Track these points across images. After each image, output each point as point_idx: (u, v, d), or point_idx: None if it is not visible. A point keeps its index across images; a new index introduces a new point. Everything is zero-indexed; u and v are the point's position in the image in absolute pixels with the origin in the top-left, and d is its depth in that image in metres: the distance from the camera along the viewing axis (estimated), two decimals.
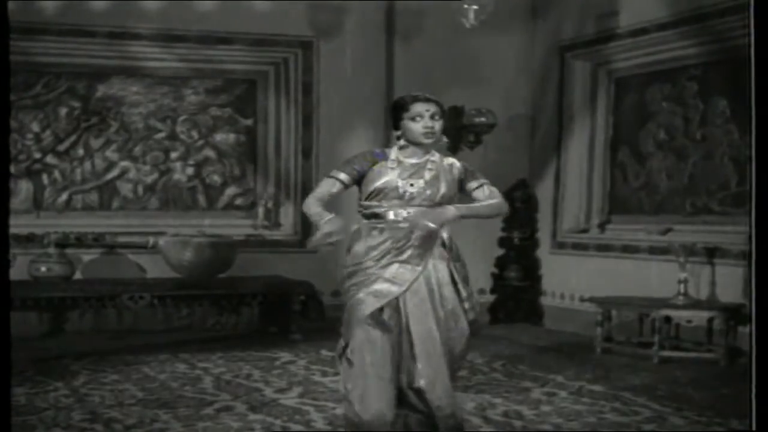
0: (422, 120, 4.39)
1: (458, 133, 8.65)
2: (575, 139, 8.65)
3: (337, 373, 6.03)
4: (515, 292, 8.91)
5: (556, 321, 8.65)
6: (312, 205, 4.29)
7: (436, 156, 4.50)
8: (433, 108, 4.43)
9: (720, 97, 7.37)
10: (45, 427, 4.68)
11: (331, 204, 4.37)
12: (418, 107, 4.42)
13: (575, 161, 8.65)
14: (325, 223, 4.15)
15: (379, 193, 4.40)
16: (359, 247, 4.37)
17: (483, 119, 8.51)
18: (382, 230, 4.35)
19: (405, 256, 4.33)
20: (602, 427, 4.77)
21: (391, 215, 4.38)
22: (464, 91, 8.59)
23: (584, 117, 8.58)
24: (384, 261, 4.31)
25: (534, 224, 9.03)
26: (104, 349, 7.08)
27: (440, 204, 4.41)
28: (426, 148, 4.45)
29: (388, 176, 4.39)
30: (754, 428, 3.58)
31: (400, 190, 4.37)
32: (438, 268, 4.39)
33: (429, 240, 4.38)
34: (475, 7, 7.10)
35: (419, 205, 4.38)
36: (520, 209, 8.96)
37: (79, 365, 6.37)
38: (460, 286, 4.46)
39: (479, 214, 4.51)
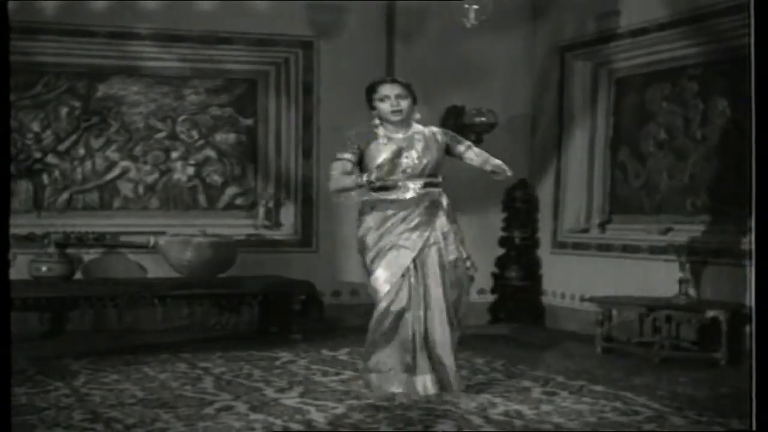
0: (389, 100, 5.03)
1: (458, 132, 8.64)
2: (575, 139, 8.65)
3: (338, 373, 6.10)
4: (516, 292, 8.91)
5: (556, 321, 8.66)
6: (340, 181, 4.98)
7: (419, 127, 5.15)
8: (398, 89, 5.06)
9: (720, 97, 7.37)
10: (45, 427, 4.68)
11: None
12: (385, 89, 5.07)
13: (575, 161, 8.66)
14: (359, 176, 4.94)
15: (380, 170, 4.95)
16: (372, 219, 5.01)
17: (483, 119, 8.51)
18: (392, 201, 4.98)
19: (414, 223, 4.95)
20: (603, 427, 4.77)
21: (397, 188, 4.98)
22: (464, 91, 8.60)
23: (584, 117, 8.58)
24: (396, 230, 4.93)
25: (534, 224, 9.03)
26: (104, 349, 7.08)
27: (435, 171, 5.12)
28: (406, 123, 5.07)
29: (384, 153, 4.98)
30: (754, 428, 3.59)
31: (398, 165, 4.96)
32: (442, 230, 5.03)
33: (433, 207, 5.02)
34: (475, 7, 7.10)
35: (419, 176, 5.05)
36: (521, 209, 8.96)
37: (79, 365, 6.37)
38: (460, 246, 5.16)
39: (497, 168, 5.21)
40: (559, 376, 6.04)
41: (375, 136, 5.06)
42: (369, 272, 5.04)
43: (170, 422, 4.77)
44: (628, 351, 7.08)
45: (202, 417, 4.89)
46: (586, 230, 8.60)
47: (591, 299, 7.50)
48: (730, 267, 6.94)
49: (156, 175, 8.64)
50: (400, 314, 4.94)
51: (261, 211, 8.73)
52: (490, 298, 8.96)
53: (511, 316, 8.89)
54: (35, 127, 8.33)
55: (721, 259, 7.04)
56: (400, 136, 5.05)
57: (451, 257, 5.06)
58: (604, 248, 8.25)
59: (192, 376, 6.03)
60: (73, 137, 8.44)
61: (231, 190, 8.81)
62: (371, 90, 5.12)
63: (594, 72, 8.53)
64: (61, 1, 8.02)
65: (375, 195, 5.04)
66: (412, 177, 4.99)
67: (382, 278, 4.93)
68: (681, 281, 7.01)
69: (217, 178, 8.77)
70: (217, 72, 8.70)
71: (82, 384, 5.74)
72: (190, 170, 8.71)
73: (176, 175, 8.68)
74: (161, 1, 8.19)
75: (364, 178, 4.90)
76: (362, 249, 5.08)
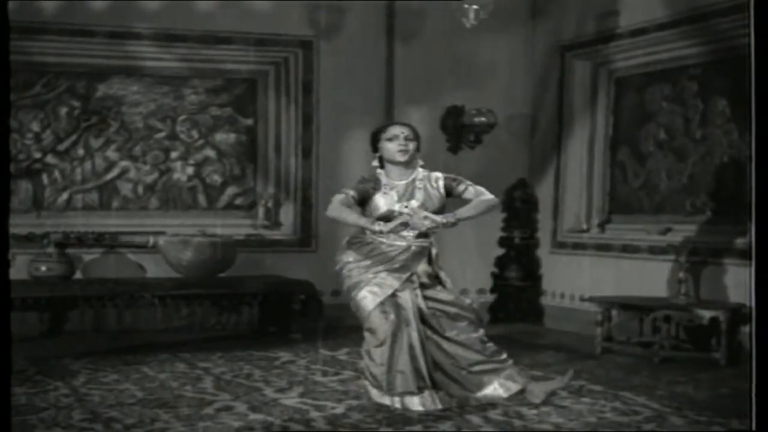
0: (397, 140, 5.13)
1: (458, 132, 8.66)
2: (575, 139, 8.65)
3: (337, 373, 6.10)
4: (515, 292, 8.91)
5: (556, 321, 8.66)
6: (340, 210, 5.05)
7: (422, 172, 5.23)
8: (407, 131, 5.19)
9: (720, 97, 7.37)
10: (45, 427, 4.68)
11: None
12: (395, 129, 5.20)
13: (575, 161, 8.66)
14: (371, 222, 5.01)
15: (380, 218, 5.08)
16: (352, 255, 5.14)
17: (483, 119, 8.51)
18: (381, 243, 5.09)
19: (395, 266, 5.07)
20: (602, 427, 4.77)
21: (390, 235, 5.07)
22: (464, 90, 8.60)
23: (584, 117, 8.58)
24: (376, 269, 5.06)
25: (534, 224, 9.03)
26: (104, 348, 7.08)
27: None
28: (407, 166, 5.17)
29: (386, 203, 5.11)
30: (754, 428, 3.59)
31: (396, 214, 5.05)
32: (425, 276, 5.15)
33: (419, 255, 5.15)
34: (475, 6, 7.10)
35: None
36: (520, 209, 8.96)
37: (79, 365, 6.37)
38: (448, 284, 5.26)
39: (478, 212, 5.19)
40: (559, 377, 6.03)
41: (378, 185, 5.14)
42: (349, 295, 5.16)
43: (170, 422, 4.77)
44: (627, 351, 7.08)
45: (201, 417, 4.89)
46: (585, 230, 8.59)
47: (591, 299, 7.50)
48: (730, 267, 6.94)
49: (155, 175, 8.64)
50: (385, 338, 5.02)
51: (260, 211, 8.73)
52: (490, 298, 8.96)
53: (511, 316, 8.89)
54: (35, 127, 8.33)
55: (721, 259, 7.04)
56: (402, 183, 5.15)
57: (439, 296, 5.19)
58: (604, 248, 8.25)
59: (192, 376, 6.03)
60: (73, 137, 8.43)
61: (231, 190, 8.81)
62: (379, 131, 5.22)
63: (594, 72, 8.53)
64: (61, 1, 8.02)
65: (367, 234, 5.12)
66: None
67: (367, 299, 5.05)
68: (681, 281, 7.01)
69: (216, 178, 8.77)
70: (217, 72, 8.70)
71: (81, 384, 5.74)
72: (190, 170, 8.71)
73: (176, 175, 8.68)
74: (161, 1, 8.19)
75: (376, 227, 4.96)
76: (341, 279, 5.21)
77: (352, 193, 5.11)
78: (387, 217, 5.07)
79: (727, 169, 7.31)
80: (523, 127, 9.02)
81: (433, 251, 5.23)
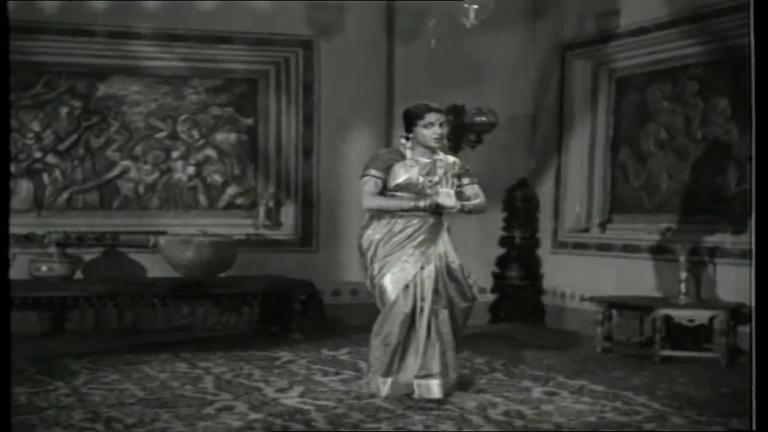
0: (433, 127, 5.33)
1: (459, 132, 8.65)
2: (576, 139, 8.65)
3: (338, 373, 6.11)
4: (516, 292, 8.91)
5: (556, 320, 8.66)
6: (377, 199, 5.29)
7: (441, 155, 5.46)
8: (442, 117, 5.39)
9: (721, 96, 7.37)
10: (45, 427, 4.68)
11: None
12: (432, 117, 5.34)
13: (576, 161, 8.66)
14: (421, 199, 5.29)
15: (401, 188, 5.32)
16: (377, 232, 5.31)
17: (484, 118, 8.50)
18: (400, 217, 5.29)
19: (417, 241, 5.28)
20: (603, 427, 4.77)
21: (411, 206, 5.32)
22: (465, 90, 8.59)
23: (585, 116, 8.58)
24: (402, 246, 5.26)
25: (535, 224, 9.03)
26: (104, 348, 7.08)
27: None
28: (433, 149, 5.41)
29: (409, 173, 5.33)
30: (754, 428, 3.59)
31: (419, 186, 5.31)
32: (447, 250, 5.35)
33: (436, 227, 5.35)
34: (475, 6, 7.10)
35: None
36: (521, 209, 8.96)
37: (79, 365, 6.37)
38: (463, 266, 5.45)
39: (477, 211, 5.55)
40: (559, 376, 6.05)
41: (402, 158, 5.36)
42: (372, 278, 5.35)
43: (170, 422, 4.77)
44: (628, 351, 7.08)
45: (202, 417, 4.89)
46: (586, 230, 8.59)
47: (591, 299, 7.50)
48: (730, 267, 6.94)
49: (156, 175, 8.64)
50: (404, 320, 5.25)
51: (261, 210, 8.73)
52: (491, 297, 8.96)
53: (512, 315, 8.89)
54: (35, 126, 8.33)
55: (721, 259, 7.04)
56: (426, 160, 5.37)
57: (458, 276, 5.40)
58: (605, 248, 8.25)
59: (192, 376, 6.03)
60: (74, 137, 8.44)
61: (231, 190, 8.81)
62: (415, 116, 5.37)
63: (594, 71, 8.53)
64: (61, 0, 8.02)
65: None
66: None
67: (390, 288, 5.26)
68: (681, 281, 7.01)
69: (217, 178, 8.77)
70: (218, 71, 8.70)
71: (82, 384, 5.74)
72: (191, 170, 8.71)
73: (176, 175, 8.69)
74: (161, 1, 8.19)
75: (421, 204, 5.24)
76: (365, 255, 5.39)
77: (379, 174, 5.32)
78: (406, 186, 5.29)
79: (727, 169, 7.31)
80: (524, 126, 9.02)
81: (445, 225, 5.42)
